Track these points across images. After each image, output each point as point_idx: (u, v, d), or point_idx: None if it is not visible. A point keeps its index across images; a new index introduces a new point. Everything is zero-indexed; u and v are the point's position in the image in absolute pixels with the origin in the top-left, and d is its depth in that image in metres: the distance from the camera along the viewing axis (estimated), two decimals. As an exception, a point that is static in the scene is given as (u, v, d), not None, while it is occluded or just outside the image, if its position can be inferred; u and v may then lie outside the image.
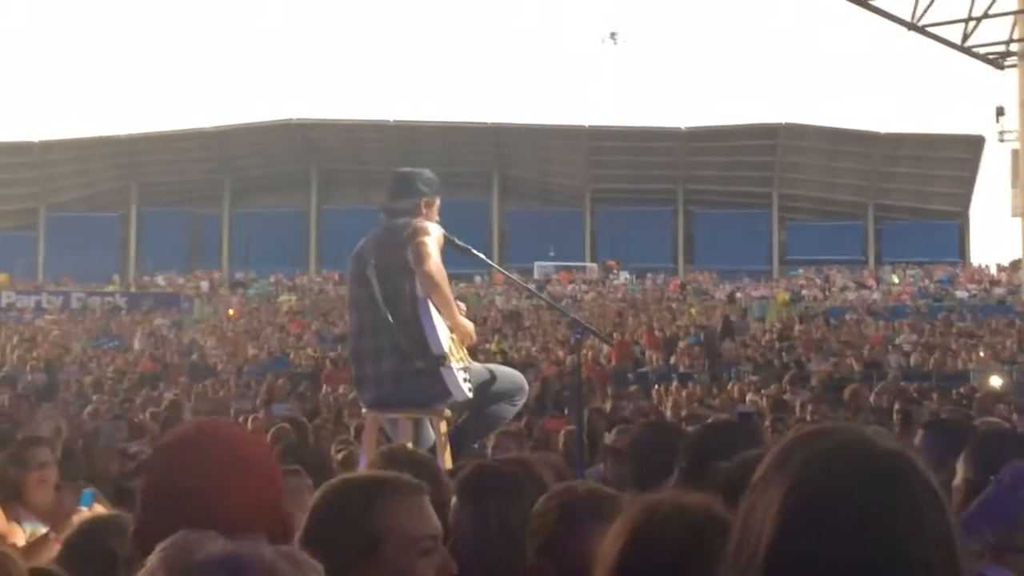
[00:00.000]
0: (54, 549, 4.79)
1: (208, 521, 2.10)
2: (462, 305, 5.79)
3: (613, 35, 57.29)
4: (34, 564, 3.42)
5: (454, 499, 3.37)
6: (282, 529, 2.38)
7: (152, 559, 1.76)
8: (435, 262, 5.48)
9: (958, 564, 1.56)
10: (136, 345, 31.66)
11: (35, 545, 5.30)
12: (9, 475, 5.98)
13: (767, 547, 1.56)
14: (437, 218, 5.81)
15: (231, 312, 39.46)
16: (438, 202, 5.89)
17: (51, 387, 20.17)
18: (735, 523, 1.68)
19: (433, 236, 5.56)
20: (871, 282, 42.58)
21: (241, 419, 12.11)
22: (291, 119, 50.48)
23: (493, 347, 24.30)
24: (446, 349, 5.45)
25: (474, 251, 6.00)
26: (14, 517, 5.93)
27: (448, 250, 5.83)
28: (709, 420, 7.38)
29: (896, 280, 42.74)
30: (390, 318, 5.53)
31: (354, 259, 5.80)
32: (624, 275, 46.24)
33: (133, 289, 44.28)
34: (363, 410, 5.92)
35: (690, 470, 3.68)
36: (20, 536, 5.73)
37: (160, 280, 46.03)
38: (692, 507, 2.13)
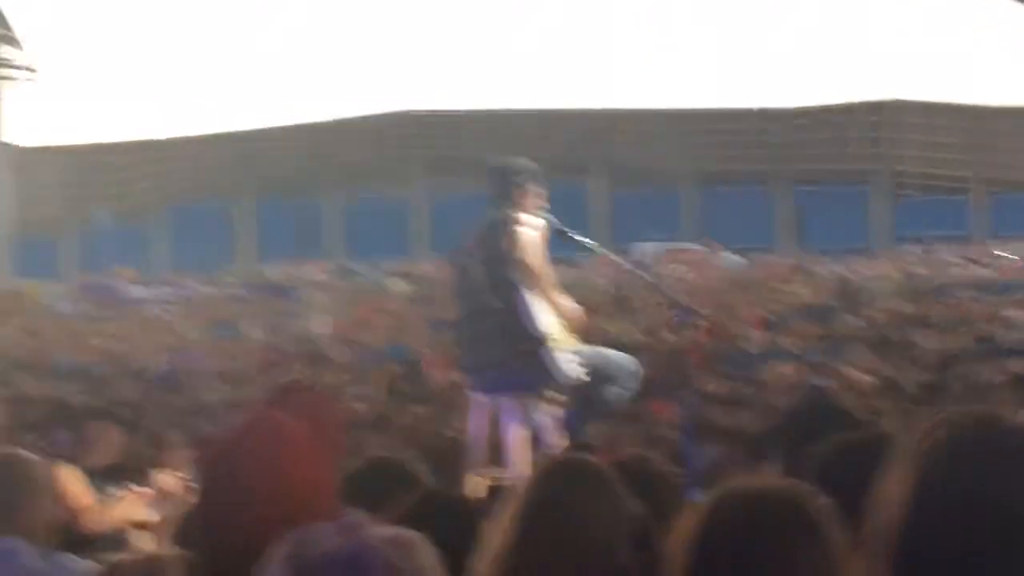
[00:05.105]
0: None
1: (257, 512, 2.21)
2: (568, 303, 5.94)
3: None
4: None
5: None
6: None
7: (273, 556, 1.77)
8: (531, 251, 5.69)
9: None
10: (252, 334, 32.39)
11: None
12: (155, 457, 6.47)
13: (895, 530, 1.63)
14: (541, 203, 5.98)
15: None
16: (536, 189, 6.04)
17: (173, 377, 20.78)
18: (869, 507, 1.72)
19: (528, 226, 5.75)
20: (982, 258, 41.63)
21: (359, 406, 12.52)
22: (400, 110, 51.25)
23: (599, 331, 24.36)
24: (549, 331, 5.64)
25: (578, 236, 6.18)
26: (152, 502, 6.39)
27: (552, 235, 6.03)
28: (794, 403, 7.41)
29: (1008, 255, 41.72)
30: (492, 306, 5.74)
31: (457, 251, 6.06)
32: (728, 255, 45.85)
33: (249, 279, 45.25)
34: (471, 395, 6.16)
35: (782, 455, 3.75)
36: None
37: (274, 270, 46.93)
38: (767, 492, 2.12)
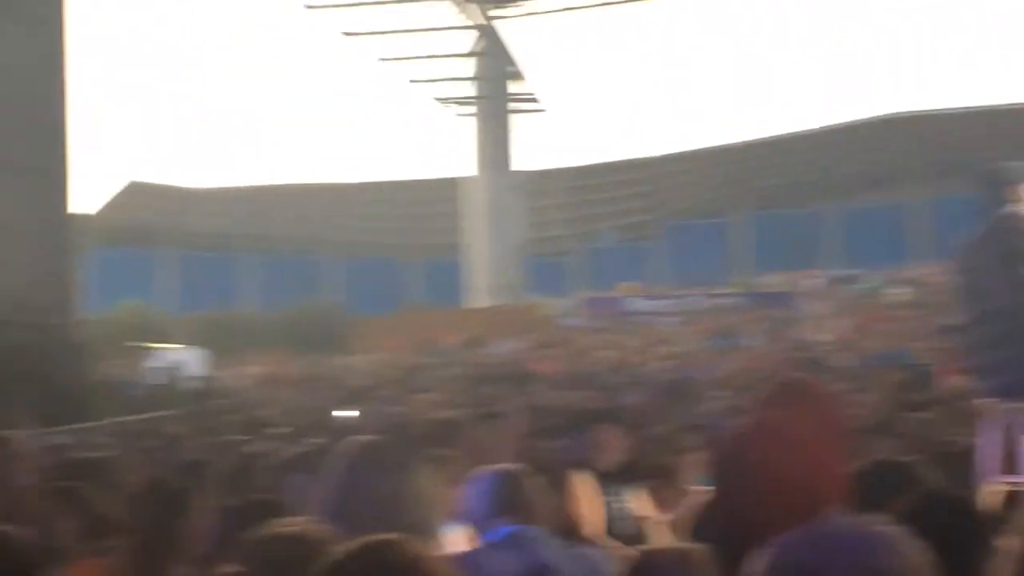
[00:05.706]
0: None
1: (766, 507, 2.33)
2: None
3: None
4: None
5: None
6: None
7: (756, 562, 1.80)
8: None
9: None
10: (750, 343, 32.68)
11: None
12: (663, 460, 6.70)
13: None
14: None
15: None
16: None
17: (675, 386, 21.33)
18: None
19: None
20: None
21: (861, 411, 12.27)
22: (888, 114, 49.85)
23: None
24: None
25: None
26: (661, 501, 6.62)
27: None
28: None
29: None
30: (1008, 307, 5.48)
31: (963, 250, 5.82)
32: None
33: (746, 290, 45.61)
34: (980, 400, 5.88)
35: None
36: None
37: (771, 280, 46.99)
38: None
